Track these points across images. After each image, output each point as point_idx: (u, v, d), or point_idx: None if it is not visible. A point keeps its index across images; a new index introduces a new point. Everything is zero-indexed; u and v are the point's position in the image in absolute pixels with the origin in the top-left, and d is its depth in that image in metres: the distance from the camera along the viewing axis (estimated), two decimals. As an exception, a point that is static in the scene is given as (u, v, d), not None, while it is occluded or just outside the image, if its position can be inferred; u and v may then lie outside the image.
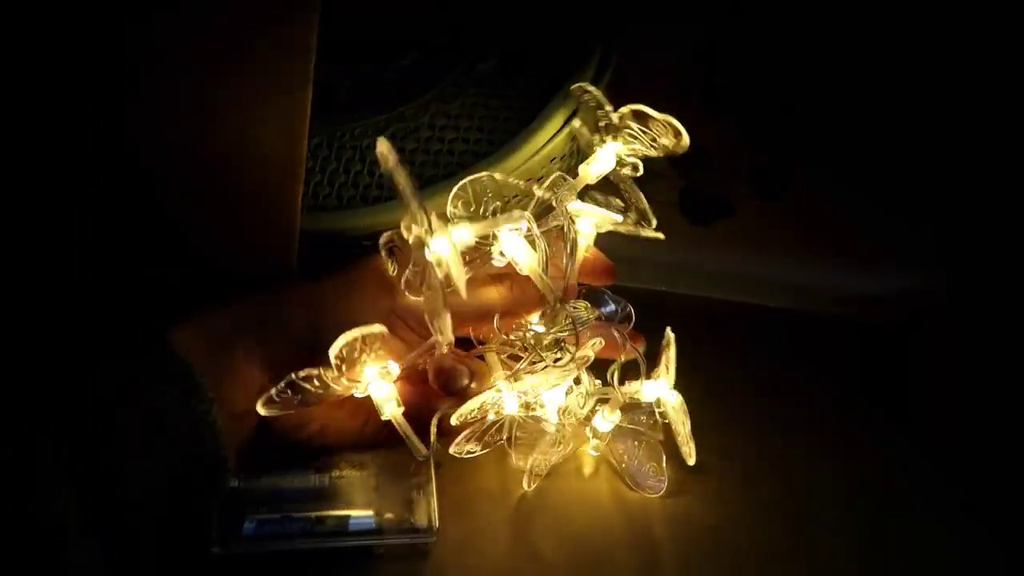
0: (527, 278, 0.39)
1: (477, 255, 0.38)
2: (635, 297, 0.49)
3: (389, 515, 0.43)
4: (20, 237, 0.40)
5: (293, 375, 0.37)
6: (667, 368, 0.45)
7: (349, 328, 0.37)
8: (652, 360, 0.46)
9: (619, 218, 0.43)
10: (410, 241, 0.37)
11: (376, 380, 0.40)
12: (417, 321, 0.41)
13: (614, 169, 0.43)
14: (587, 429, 0.48)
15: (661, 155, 0.42)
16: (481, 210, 0.37)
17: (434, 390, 0.41)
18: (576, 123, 0.45)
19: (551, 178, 0.42)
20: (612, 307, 0.49)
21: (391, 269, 0.40)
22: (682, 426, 0.47)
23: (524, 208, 0.39)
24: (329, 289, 0.42)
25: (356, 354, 0.37)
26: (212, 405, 0.37)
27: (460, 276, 0.35)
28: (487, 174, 0.37)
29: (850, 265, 0.63)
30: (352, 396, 0.40)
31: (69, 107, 0.35)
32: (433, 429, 0.42)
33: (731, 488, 0.49)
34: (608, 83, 0.50)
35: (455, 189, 0.37)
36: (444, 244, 0.35)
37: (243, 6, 0.33)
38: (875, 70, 0.60)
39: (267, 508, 0.42)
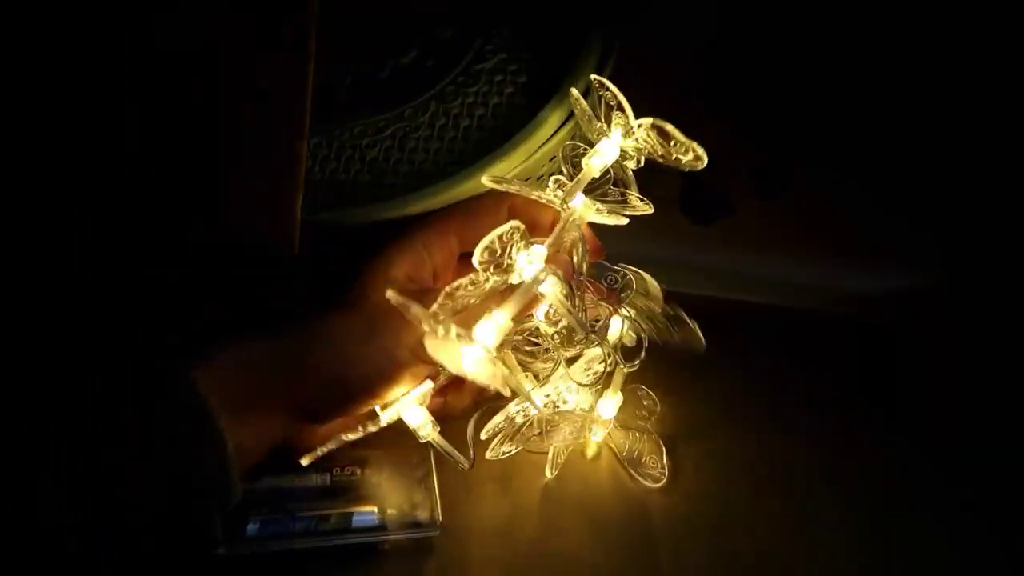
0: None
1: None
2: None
3: (392, 511, 0.43)
4: (20, 237, 0.40)
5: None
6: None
7: (379, 363, 0.38)
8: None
9: (624, 222, 0.43)
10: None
11: (411, 407, 0.40)
12: None
13: (616, 161, 0.43)
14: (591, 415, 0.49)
15: (672, 166, 0.42)
16: (506, 256, 0.37)
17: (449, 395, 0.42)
18: (573, 91, 0.44)
19: (563, 147, 0.43)
20: (612, 276, 0.50)
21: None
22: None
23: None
24: (356, 324, 0.39)
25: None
26: (226, 448, 0.36)
27: (498, 381, 0.35)
28: (511, 225, 0.36)
29: (850, 265, 0.63)
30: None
31: (69, 107, 0.35)
32: (470, 435, 0.42)
33: (731, 487, 0.49)
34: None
35: (483, 243, 0.36)
36: (478, 358, 0.35)
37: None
38: (875, 70, 0.60)
39: (270, 508, 0.42)
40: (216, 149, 0.38)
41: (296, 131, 0.37)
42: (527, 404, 0.44)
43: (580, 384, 0.45)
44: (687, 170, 0.40)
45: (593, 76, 0.43)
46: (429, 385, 0.40)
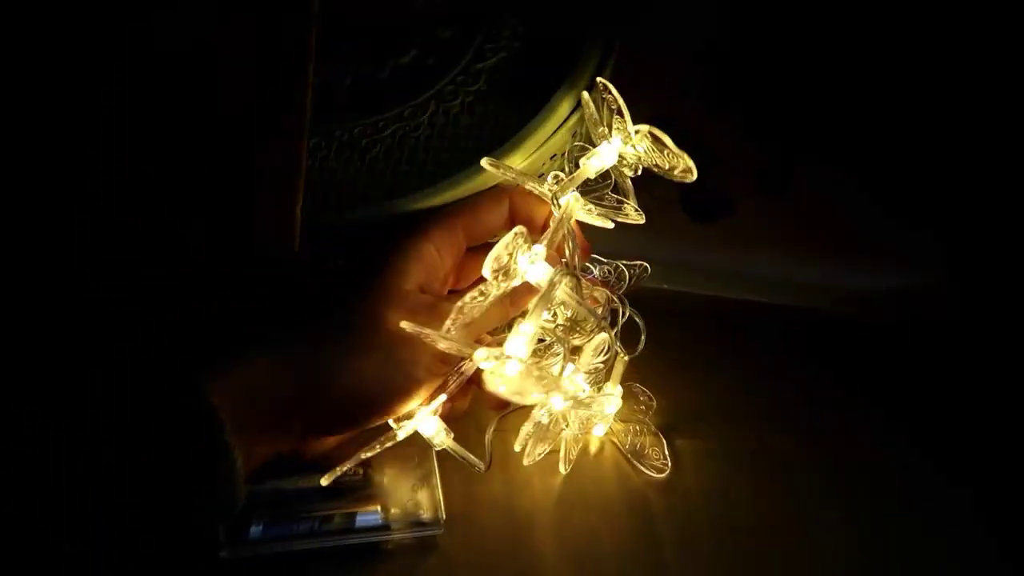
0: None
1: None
2: (637, 296, 0.49)
3: (395, 510, 0.43)
4: (20, 237, 0.40)
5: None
6: None
7: (397, 380, 0.38)
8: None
9: (611, 225, 0.44)
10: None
11: (425, 418, 0.41)
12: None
13: (614, 166, 0.43)
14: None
15: (663, 174, 0.42)
16: (512, 261, 0.38)
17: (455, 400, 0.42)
18: (584, 95, 0.45)
19: (569, 147, 0.43)
20: (606, 269, 0.50)
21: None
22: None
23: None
24: (372, 340, 0.39)
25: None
26: (234, 462, 0.35)
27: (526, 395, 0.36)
28: (515, 232, 0.37)
29: (850, 265, 0.63)
30: None
31: (69, 107, 0.35)
32: (488, 439, 0.43)
33: (731, 486, 0.49)
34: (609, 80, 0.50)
35: (492, 255, 0.37)
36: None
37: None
38: (875, 69, 0.60)
39: (272, 510, 0.42)
40: (216, 149, 0.38)
41: (297, 131, 0.37)
42: (550, 403, 0.44)
43: (591, 371, 0.45)
44: (678, 181, 0.41)
45: (599, 79, 0.43)
46: (442, 398, 0.41)
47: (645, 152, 0.42)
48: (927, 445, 0.52)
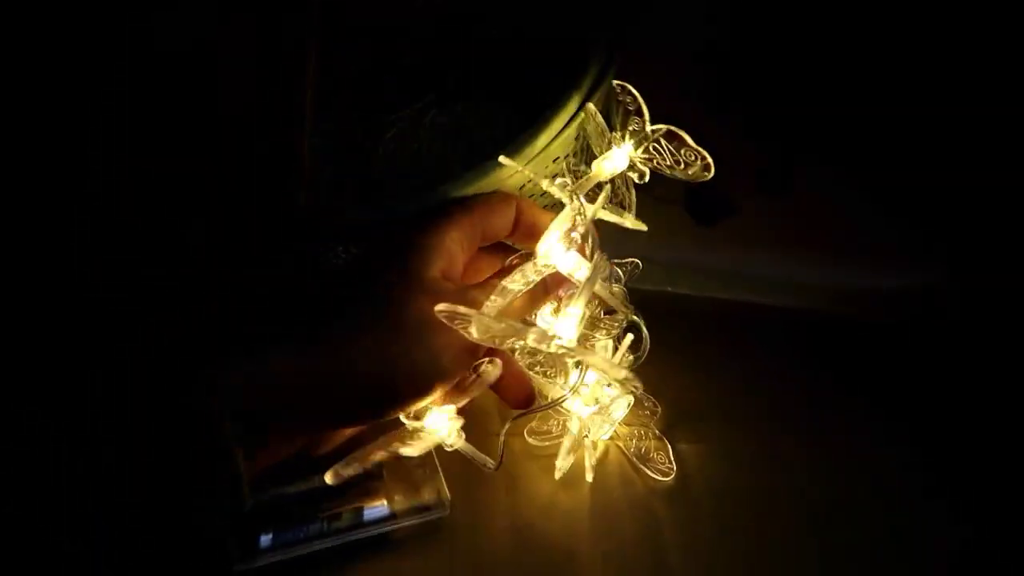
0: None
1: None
2: (638, 298, 0.49)
3: (399, 498, 0.43)
4: (20, 237, 0.40)
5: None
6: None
7: (422, 367, 0.37)
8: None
9: (628, 223, 0.44)
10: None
11: (437, 420, 0.41)
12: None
13: (622, 172, 0.43)
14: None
15: (679, 177, 0.42)
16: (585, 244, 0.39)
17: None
18: (590, 106, 0.45)
19: (566, 160, 0.44)
20: (625, 268, 0.50)
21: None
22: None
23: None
24: (398, 326, 0.38)
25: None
26: (238, 464, 0.35)
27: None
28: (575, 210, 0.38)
29: (850, 264, 0.63)
30: None
31: (69, 107, 0.35)
32: (501, 442, 0.43)
33: (732, 485, 0.49)
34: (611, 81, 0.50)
35: (556, 230, 0.38)
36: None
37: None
38: (876, 69, 0.60)
39: (279, 517, 0.42)
40: (216, 149, 0.38)
41: (297, 131, 0.37)
42: (576, 414, 0.46)
43: (617, 378, 0.45)
44: (695, 180, 0.41)
45: (615, 81, 0.43)
46: (452, 408, 0.41)
47: (661, 153, 0.42)
48: (927, 445, 0.52)
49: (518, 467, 0.49)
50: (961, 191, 0.60)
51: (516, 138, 0.46)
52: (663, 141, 0.42)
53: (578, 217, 0.39)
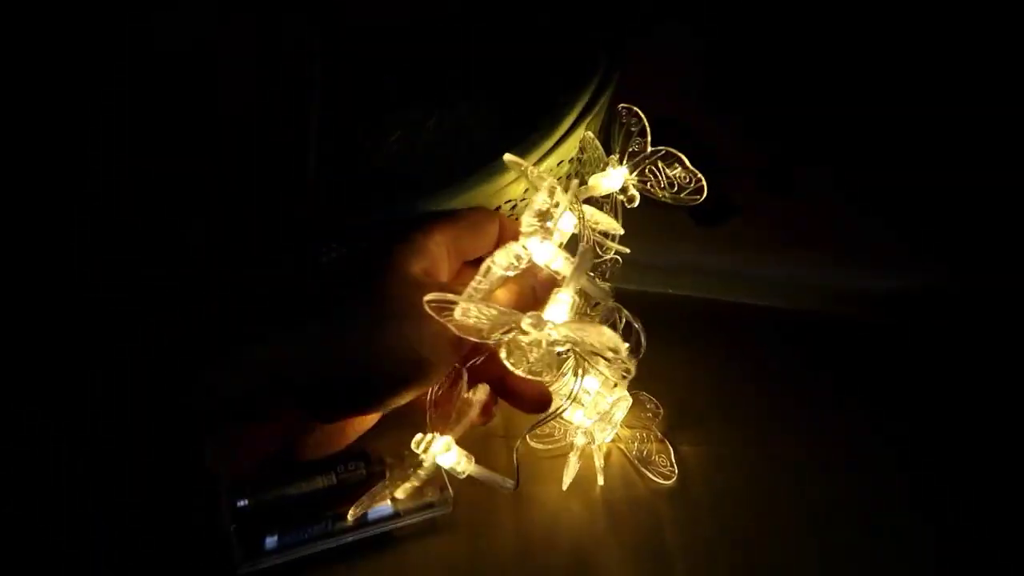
0: (523, 277, 0.39)
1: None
2: (639, 300, 0.49)
3: (403, 496, 0.44)
4: (20, 237, 0.40)
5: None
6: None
7: (407, 359, 0.37)
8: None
9: (621, 231, 0.44)
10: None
11: (443, 454, 0.41)
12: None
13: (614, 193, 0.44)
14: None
15: (669, 201, 0.43)
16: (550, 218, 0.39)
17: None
18: (589, 134, 0.45)
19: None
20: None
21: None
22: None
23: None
24: (383, 316, 0.37)
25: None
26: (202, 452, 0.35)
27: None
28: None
29: (850, 264, 0.63)
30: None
31: (69, 107, 0.35)
32: (516, 460, 0.43)
33: (733, 486, 0.49)
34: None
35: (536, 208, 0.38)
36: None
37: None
38: (876, 69, 0.60)
39: (283, 519, 0.42)
40: (216, 149, 0.38)
41: (299, 131, 0.37)
42: (581, 425, 0.46)
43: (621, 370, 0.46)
44: (685, 204, 0.42)
45: (621, 105, 0.43)
46: (447, 439, 0.41)
47: (656, 175, 0.42)
48: (928, 445, 0.52)
49: (520, 466, 0.49)
50: (961, 191, 0.60)
51: (518, 144, 0.46)
52: (660, 163, 0.42)
53: (555, 195, 0.39)
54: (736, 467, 0.50)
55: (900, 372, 0.57)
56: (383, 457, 0.46)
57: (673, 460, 0.50)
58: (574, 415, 0.46)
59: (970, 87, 0.59)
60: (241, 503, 0.42)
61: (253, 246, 0.43)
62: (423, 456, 0.41)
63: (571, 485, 0.48)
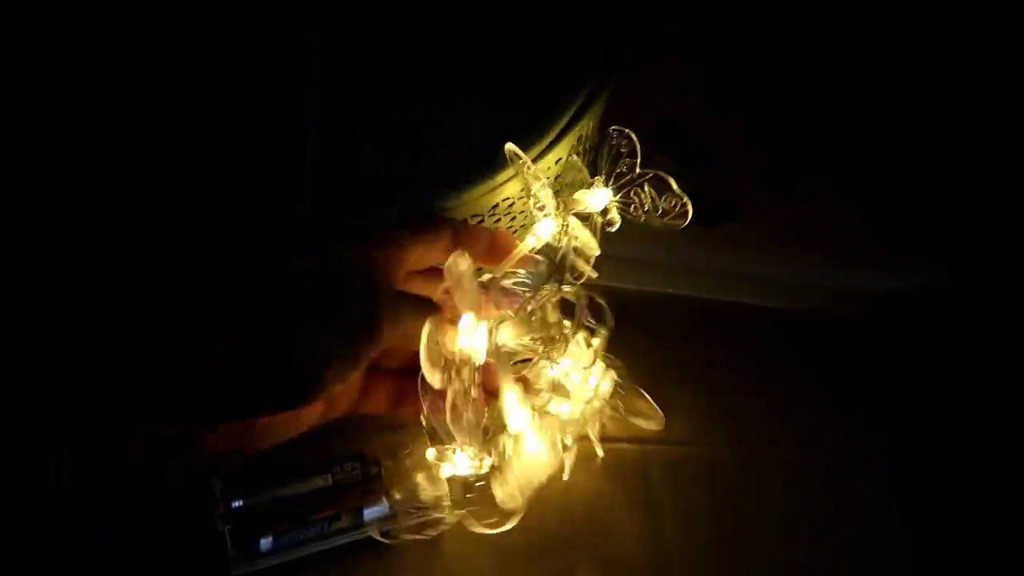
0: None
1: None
2: (639, 300, 0.49)
3: (398, 495, 0.43)
4: (20, 237, 0.40)
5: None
6: None
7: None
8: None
9: (597, 252, 0.44)
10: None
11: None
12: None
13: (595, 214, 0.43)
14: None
15: (652, 224, 0.42)
16: None
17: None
18: (574, 157, 0.45)
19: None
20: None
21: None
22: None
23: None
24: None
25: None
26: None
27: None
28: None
29: (850, 264, 0.63)
30: None
31: (69, 107, 0.35)
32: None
33: (733, 486, 0.49)
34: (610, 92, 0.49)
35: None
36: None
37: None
38: (877, 69, 0.60)
39: (278, 520, 0.42)
40: (216, 149, 0.38)
41: (299, 131, 0.37)
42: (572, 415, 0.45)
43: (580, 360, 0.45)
44: (668, 228, 0.41)
45: (612, 128, 0.43)
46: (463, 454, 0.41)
47: (640, 198, 0.42)
48: (928, 445, 0.52)
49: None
50: (961, 191, 0.60)
51: (523, 138, 0.46)
52: (647, 186, 0.41)
53: (543, 195, 0.39)
54: (735, 465, 0.50)
55: (900, 372, 0.57)
56: (379, 458, 0.46)
57: (654, 404, 0.49)
58: (560, 408, 0.45)
59: (970, 87, 0.59)
60: (236, 504, 0.41)
61: (253, 246, 0.43)
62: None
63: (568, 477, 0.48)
